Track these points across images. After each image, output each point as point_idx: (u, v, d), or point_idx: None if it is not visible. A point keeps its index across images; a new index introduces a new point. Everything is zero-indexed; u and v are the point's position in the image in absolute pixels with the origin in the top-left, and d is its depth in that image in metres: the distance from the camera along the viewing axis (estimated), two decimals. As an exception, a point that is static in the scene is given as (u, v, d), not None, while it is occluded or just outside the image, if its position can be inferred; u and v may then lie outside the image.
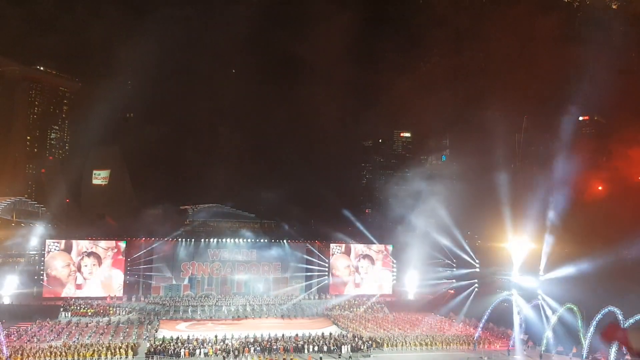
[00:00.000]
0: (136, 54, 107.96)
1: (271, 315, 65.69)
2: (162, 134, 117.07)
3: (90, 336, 51.64)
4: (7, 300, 63.36)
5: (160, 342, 48.22)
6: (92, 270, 68.45)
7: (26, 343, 48.20)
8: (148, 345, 47.44)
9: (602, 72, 74.96)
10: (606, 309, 43.78)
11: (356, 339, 51.11)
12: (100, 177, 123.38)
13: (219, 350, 46.71)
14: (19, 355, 43.16)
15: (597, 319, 44.37)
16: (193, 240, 73.65)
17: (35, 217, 73.81)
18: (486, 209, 72.80)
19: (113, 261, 69.42)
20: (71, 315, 61.20)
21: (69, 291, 67.22)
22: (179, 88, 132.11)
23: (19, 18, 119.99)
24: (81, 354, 44.65)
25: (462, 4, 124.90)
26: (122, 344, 47.26)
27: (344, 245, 78.38)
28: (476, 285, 70.77)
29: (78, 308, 62.85)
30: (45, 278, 66.62)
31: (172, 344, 47.50)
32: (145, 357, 45.31)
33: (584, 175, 70.56)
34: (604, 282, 50.06)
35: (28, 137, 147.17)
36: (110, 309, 63.36)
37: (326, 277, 77.11)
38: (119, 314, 62.53)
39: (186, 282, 72.74)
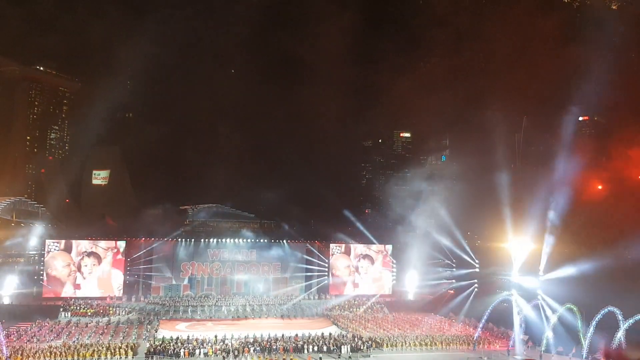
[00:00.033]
0: (136, 54, 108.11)
1: (271, 315, 65.67)
2: (162, 134, 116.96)
3: (90, 336, 51.61)
4: (6, 301, 63.31)
5: (160, 342, 48.20)
6: (92, 271, 68.42)
7: (26, 343, 48.18)
8: (148, 345, 47.42)
9: (602, 72, 75.02)
10: (606, 309, 43.79)
11: (356, 339, 51.08)
12: (100, 177, 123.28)
13: (219, 350, 46.71)
14: (19, 356, 43.15)
15: (597, 319, 44.37)
16: (193, 240, 73.60)
17: (35, 217, 73.73)
18: (486, 209, 72.81)
19: (113, 261, 69.39)
20: (71, 316, 61.16)
21: (68, 291, 67.18)
22: (179, 88, 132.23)
23: (19, 18, 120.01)
24: (81, 354, 44.65)
25: (462, 4, 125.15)
26: (121, 344, 47.25)
27: (343, 245, 78.34)
28: (476, 285, 70.76)
29: (78, 308, 62.82)
30: (45, 278, 66.61)
31: (171, 344, 47.48)
32: (145, 357, 45.31)
33: (583, 175, 70.55)
34: (604, 282, 50.12)
35: (28, 137, 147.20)
36: (110, 309, 63.33)
37: (326, 277, 77.06)
38: (119, 314, 62.51)
39: (186, 282, 72.69)
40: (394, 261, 79.18)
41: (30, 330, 53.79)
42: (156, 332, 54.32)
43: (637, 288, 46.96)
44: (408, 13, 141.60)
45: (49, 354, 43.87)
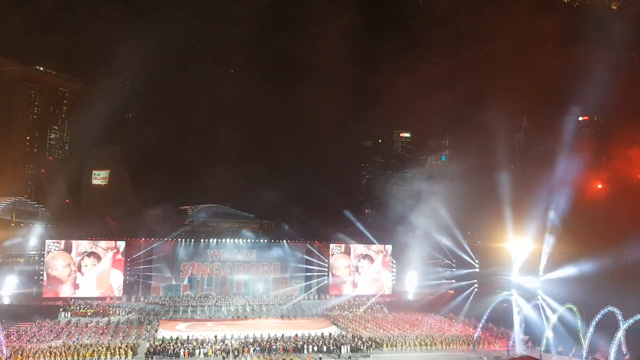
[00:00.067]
0: (136, 54, 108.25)
1: (271, 315, 65.65)
2: (162, 134, 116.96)
3: (89, 336, 51.60)
4: (6, 301, 63.31)
5: (160, 342, 48.18)
6: (92, 271, 68.43)
7: (26, 343, 48.15)
8: (147, 345, 47.41)
9: (602, 72, 75.08)
10: (606, 309, 43.75)
11: (356, 339, 51.05)
12: (100, 177, 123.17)
13: (219, 350, 46.68)
14: (19, 356, 43.12)
15: (597, 319, 44.33)
16: (193, 240, 73.59)
17: (35, 217, 73.77)
18: (486, 209, 72.86)
19: (113, 261, 69.37)
20: (71, 316, 61.14)
21: (68, 291, 67.17)
22: (179, 88, 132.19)
23: (19, 18, 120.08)
24: (81, 354, 44.63)
25: (462, 4, 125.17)
26: (121, 344, 47.22)
27: (343, 245, 78.31)
28: (476, 285, 70.72)
29: (78, 308, 62.80)
30: (45, 278, 66.60)
31: (171, 344, 47.45)
32: (145, 357, 45.28)
33: (584, 175, 70.60)
34: (604, 282, 50.06)
35: (28, 137, 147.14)
36: (110, 309, 63.32)
37: (326, 277, 77.04)
38: (119, 314, 62.50)
39: (186, 282, 72.68)
40: (394, 261, 79.15)
41: (30, 330, 53.77)
42: (156, 332, 54.29)
43: (637, 288, 46.90)
44: (408, 13, 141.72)
45: (48, 354, 43.85)
